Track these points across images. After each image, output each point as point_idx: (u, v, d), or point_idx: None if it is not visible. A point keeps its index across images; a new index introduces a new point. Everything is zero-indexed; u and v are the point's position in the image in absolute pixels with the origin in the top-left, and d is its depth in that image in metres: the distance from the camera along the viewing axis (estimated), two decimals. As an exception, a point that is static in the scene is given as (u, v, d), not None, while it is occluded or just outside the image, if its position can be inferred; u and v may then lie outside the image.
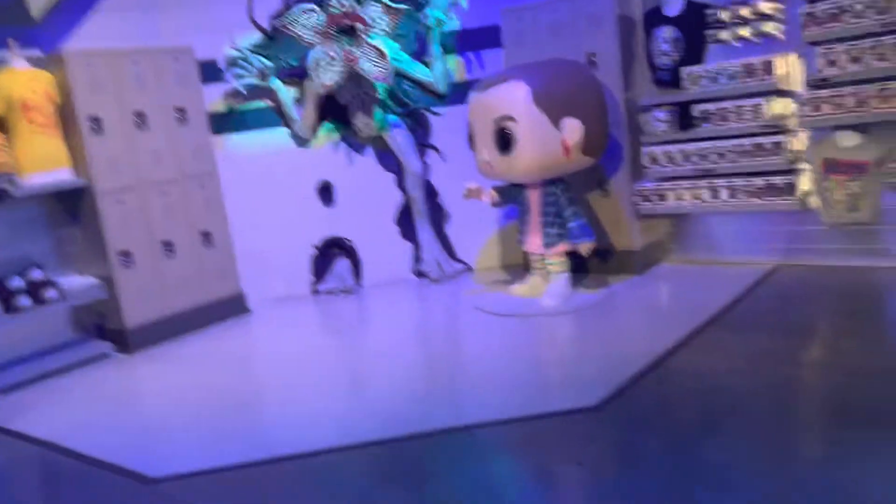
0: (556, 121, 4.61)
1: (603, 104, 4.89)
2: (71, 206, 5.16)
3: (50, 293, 4.87)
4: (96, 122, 4.99)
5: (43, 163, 4.83)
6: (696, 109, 5.05)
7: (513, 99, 4.61)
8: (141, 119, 5.22)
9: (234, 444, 3.47)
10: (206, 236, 5.61)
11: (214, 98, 5.82)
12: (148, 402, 4.41)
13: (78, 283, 5.08)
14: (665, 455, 2.90)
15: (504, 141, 4.67)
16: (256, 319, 5.74)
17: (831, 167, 4.64)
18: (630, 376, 3.60)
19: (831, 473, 2.59)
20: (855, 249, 4.83)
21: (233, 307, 5.77)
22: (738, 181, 4.96)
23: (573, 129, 4.62)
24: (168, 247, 5.37)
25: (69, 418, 4.12)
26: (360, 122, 5.84)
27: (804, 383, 3.43)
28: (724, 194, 5.04)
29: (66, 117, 4.94)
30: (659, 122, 5.18)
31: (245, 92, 5.75)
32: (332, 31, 5.52)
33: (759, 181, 4.87)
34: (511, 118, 4.61)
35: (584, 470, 2.87)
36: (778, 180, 4.81)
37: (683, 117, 5.19)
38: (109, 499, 3.17)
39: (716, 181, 5.05)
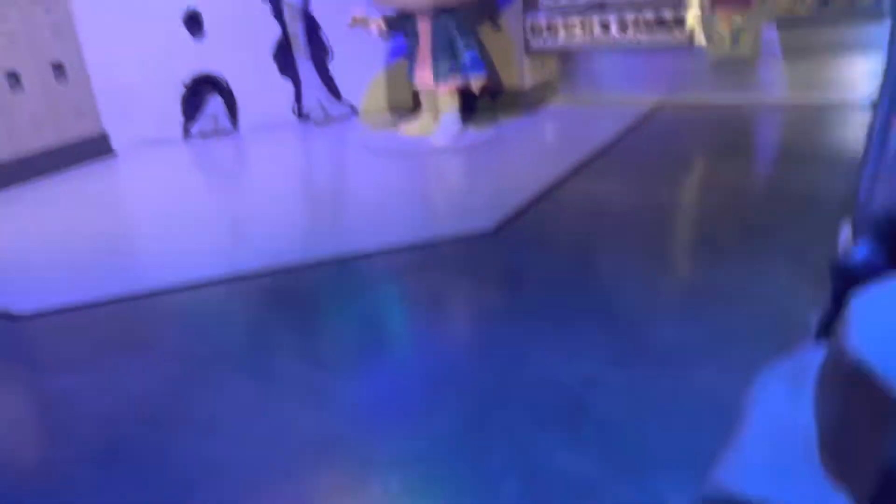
0: (448, -60, 4.31)
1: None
2: None
3: None
4: None
5: None
6: (591, -63, 4.88)
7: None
8: (-36, -78, 4.45)
9: (108, 280, 3.22)
10: (58, 68, 5.00)
11: None
12: (6, 242, 4.01)
13: None
14: (561, 270, 2.95)
15: (393, -39, 4.34)
16: (122, 162, 5.29)
17: (719, 0, 4.67)
18: (522, 202, 3.61)
19: (709, 275, 2.72)
20: (734, 85, 4.97)
21: (94, 148, 5.28)
22: (629, 15, 4.91)
23: (466, -50, 4.34)
24: (14, 79, 4.75)
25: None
26: (230, -58, 5.26)
27: (683, 202, 3.56)
28: (614, 29, 4.99)
29: None
30: (553, -50, 4.98)
31: None
32: None
33: (650, 15, 4.84)
34: (401, -66, 4.27)
35: (476, 289, 2.89)
36: (668, 15, 4.79)
37: (577, -54, 5.01)
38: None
39: (607, 16, 4.97)
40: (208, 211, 4.20)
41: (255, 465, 1.93)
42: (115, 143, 5.42)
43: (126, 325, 2.83)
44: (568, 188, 3.82)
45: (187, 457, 1.99)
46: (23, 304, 3.03)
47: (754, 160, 4.17)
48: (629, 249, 3.06)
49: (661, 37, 4.86)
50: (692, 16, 4.83)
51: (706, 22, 4.76)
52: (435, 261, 3.16)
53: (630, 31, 4.93)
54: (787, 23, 4.73)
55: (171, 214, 4.07)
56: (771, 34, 4.73)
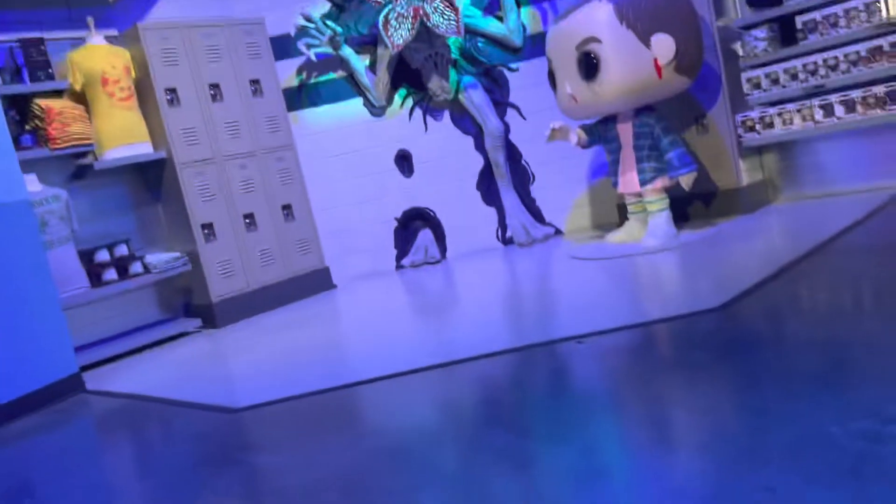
0: (644, 38, 4.26)
1: (694, 15, 4.50)
2: (153, 182, 5.15)
3: (135, 267, 4.82)
4: (172, 94, 4.97)
5: (123, 136, 4.83)
6: (800, 21, 4.60)
7: (595, 19, 4.30)
8: (216, 91, 5.19)
9: (316, 376, 3.23)
10: (287, 209, 5.49)
11: (287, 74, 5.76)
12: (235, 356, 4.24)
13: (162, 256, 5.01)
14: (812, 334, 2.47)
15: (589, 66, 4.35)
16: (342, 293, 5.54)
17: (965, 60, 4.11)
18: (748, 285, 3.17)
19: None
20: None
21: (318, 282, 5.61)
22: (855, 93, 4.46)
23: (665, 44, 4.26)
24: (249, 219, 5.27)
25: (158, 378, 3.99)
26: (435, 85, 5.65)
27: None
28: (839, 110, 4.54)
29: (143, 91, 4.95)
30: (758, 41, 4.76)
31: (316, 60, 5.64)
32: (400, -10, 5.38)
33: (880, 88, 4.36)
34: (595, 39, 4.30)
35: (713, 358, 2.48)
36: (902, 84, 4.29)
37: (785, 33, 4.75)
38: (194, 428, 2.97)
39: (829, 97, 4.56)
40: (417, 319, 4.20)
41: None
42: (336, 277, 5.73)
43: (329, 411, 2.76)
44: (800, 269, 3.31)
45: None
46: (241, 401, 3.10)
47: None
48: (877, 317, 2.51)
49: (897, 111, 4.33)
50: (933, 82, 4.28)
51: (952, 85, 4.19)
52: (660, 338, 2.81)
53: (859, 110, 4.46)
54: None
55: (382, 327, 4.11)
56: None
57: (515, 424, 2.26)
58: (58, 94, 4.69)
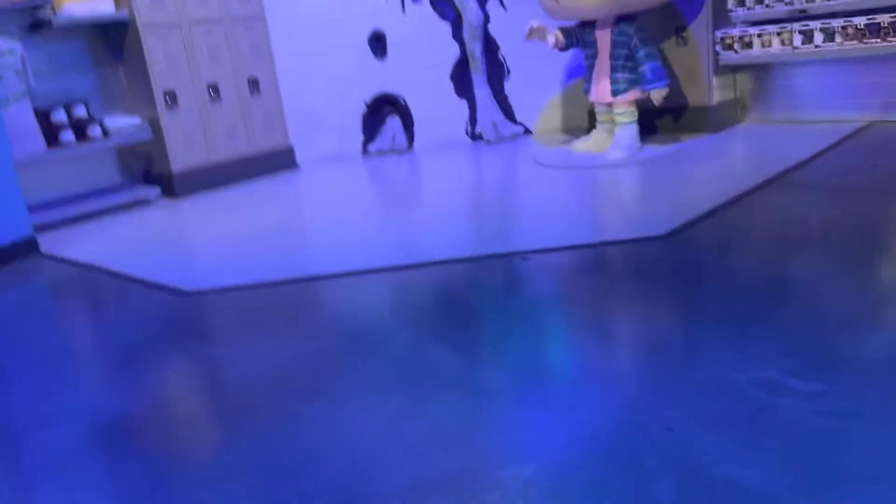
0: (633, -57, 4.11)
1: (687, -74, 4.35)
2: (114, 41, 4.96)
3: (93, 130, 4.72)
4: (137, -51, 4.70)
5: (83, -9, 4.60)
6: (794, -61, 4.47)
7: (586, -83, 4.12)
8: (184, -50, 4.92)
9: (275, 266, 3.30)
10: (253, 83, 5.35)
11: (262, -64, 5.45)
12: (193, 235, 4.27)
13: (122, 122, 4.91)
14: (744, 273, 2.59)
15: (573, -33, 4.21)
16: (304, 175, 5.52)
17: (949, 1, 4.07)
18: (701, 210, 3.27)
19: (942, 289, 2.25)
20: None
21: (281, 161, 5.57)
22: (836, 21, 4.41)
23: (652, -48, 4.12)
24: (214, 90, 5.15)
25: (113, 248, 4.02)
26: (416, -36, 5.42)
27: (886, 219, 3.04)
28: (818, 38, 4.50)
29: (105, -57, 4.67)
30: (749, -45, 4.62)
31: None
32: None
33: (861, 20, 4.31)
34: (582, -61, 4.14)
35: (653, 286, 2.59)
36: (883, 18, 4.24)
37: (777, -50, 4.61)
38: (147, 308, 3.05)
39: (810, 23, 4.50)
40: (379, 213, 4.24)
41: (379, 442, 1.79)
42: (300, 157, 5.69)
43: (284, 304, 2.84)
44: (752, 201, 3.41)
45: (314, 427, 1.90)
46: (194, 283, 3.17)
47: None
48: (828, 257, 2.63)
49: (874, 45, 4.31)
50: (915, 19, 4.24)
51: (933, 25, 4.16)
52: (600, 262, 2.91)
53: (838, 40, 4.43)
54: None
55: (344, 216, 4.15)
56: None
57: (441, 328, 2.37)
58: (12, -62, 4.39)
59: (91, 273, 3.62)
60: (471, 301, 2.71)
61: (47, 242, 4.18)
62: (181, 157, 5.03)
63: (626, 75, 4.50)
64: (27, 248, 4.03)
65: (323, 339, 2.44)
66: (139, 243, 4.07)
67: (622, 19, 4.45)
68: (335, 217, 4.17)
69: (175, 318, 2.88)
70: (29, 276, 3.72)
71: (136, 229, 4.40)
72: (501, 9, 5.63)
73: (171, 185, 5.04)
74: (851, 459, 1.50)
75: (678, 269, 2.73)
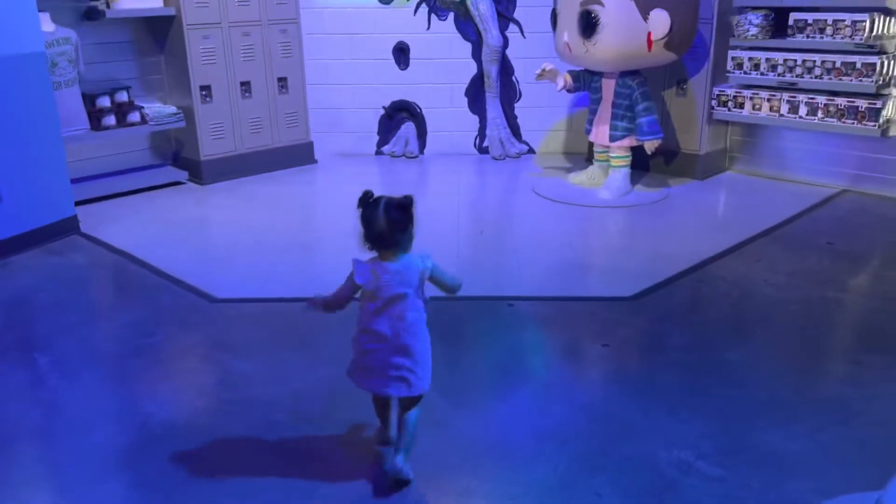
0: (644, 11, 4.50)
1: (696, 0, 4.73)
2: (158, 33, 5.34)
3: (133, 116, 5.14)
4: (189, -46, 5.06)
5: (136, -12, 4.97)
6: (793, 18, 4.85)
7: (603, -18, 4.50)
8: (231, -45, 5.27)
9: (289, 280, 3.78)
10: (283, 82, 5.75)
11: (304, -57, 5.79)
12: (216, 230, 4.73)
13: (160, 109, 5.32)
14: (689, 350, 3.07)
15: (588, 24, 4.60)
16: (321, 169, 5.96)
17: (921, 97, 4.48)
18: (670, 275, 3.74)
19: (844, 390, 2.74)
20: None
21: (301, 155, 5.99)
22: (820, 99, 4.83)
23: (660, 22, 4.51)
24: (246, 87, 5.54)
25: (146, 234, 4.48)
26: (446, -15, 5.77)
27: (839, 304, 3.51)
28: (802, 110, 4.92)
29: (160, -55, 5.03)
30: (752, 25, 5.00)
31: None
32: None
33: (842, 101, 4.74)
34: (598, 1, 4.52)
35: (609, 351, 3.08)
36: (862, 103, 4.67)
37: (777, 24, 5.01)
38: (178, 309, 3.52)
39: (797, 95, 4.92)
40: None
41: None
42: (318, 152, 6.11)
43: (296, 323, 3.32)
44: (719, 267, 3.88)
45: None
46: (223, 290, 3.64)
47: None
48: (764, 343, 3.12)
49: (853, 124, 4.74)
50: (890, 109, 4.67)
51: (903, 117, 4.59)
52: (572, 316, 3.39)
53: (819, 114, 4.85)
54: None
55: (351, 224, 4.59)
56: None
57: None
58: (77, -64, 4.75)
59: (125, 261, 4.08)
60: (441, 340, 3.20)
61: (86, 218, 4.63)
62: (210, 145, 5.46)
63: (625, 124, 4.92)
64: (69, 227, 4.48)
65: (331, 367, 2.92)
66: (171, 234, 4.51)
67: (626, 73, 4.85)
68: (343, 224, 4.59)
69: (204, 325, 3.35)
70: (70, 258, 4.17)
71: (168, 215, 4.85)
72: (521, 37, 6.00)
73: (198, 171, 5.47)
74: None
75: (634, 337, 3.22)
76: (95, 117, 5.01)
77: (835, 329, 3.35)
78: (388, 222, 2.10)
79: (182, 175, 5.49)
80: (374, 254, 2.19)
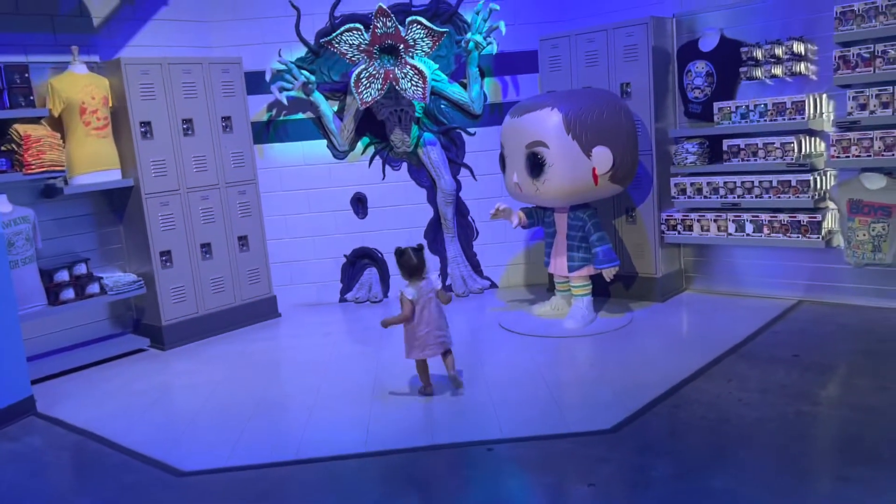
0: (587, 149, 4.74)
1: (634, 135, 5.01)
2: (117, 204, 5.42)
3: (92, 287, 5.10)
4: (147, 127, 5.23)
5: (94, 163, 5.08)
6: (726, 144, 5.15)
7: (546, 126, 4.75)
8: (189, 125, 5.46)
9: (257, 447, 3.65)
10: (243, 240, 5.82)
11: (258, 108, 6.05)
12: (181, 397, 4.60)
13: (119, 278, 5.31)
14: (674, 480, 3.01)
15: (535, 165, 4.81)
16: (284, 322, 5.93)
17: (856, 208, 4.72)
18: (645, 402, 3.72)
19: (833, 509, 2.69)
20: (877, 290, 4.89)
21: (264, 310, 5.97)
22: (764, 216, 5.05)
23: (604, 157, 4.75)
24: (206, 248, 5.59)
25: (106, 408, 4.33)
26: (397, 137, 6.03)
27: (814, 418, 3.51)
28: (748, 228, 5.13)
29: (119, 120, 5.20)
30: (689, 153, 5.29)
31: (287, 103, 5.96)
32: (374, 50, 5.71)
33: (784, 217, 4.96)
34: (543, 143, 4.76)
35: (596, 491, 2.99)
36: (803, 217, 4.89)
37: (713, 150, 5.31)
38: (142, 488, 3.35)
39: (742, 215, 5.14)
40: (352, 378, 4.58)
41: None
42: (281, 305, 6.10)
43: (270, 490, 3.17)
44: (692, 390, 3.88)
45: None
46: (187, 462, 3.50)
47: (896, 373, 4.04)
48: (748, 466, 3.07)
49: (797, 238, 4.94)
50: (829, 221, 4.89)
51: (844, 229, 4.81)
52: (553, 456, 3.31)
53: (765, 231, 5.05)
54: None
55: (318, 380, 4.51)
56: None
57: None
58: (36, 119, 4.90)
59: (85, 440, 3.91)
60: (428, 491, 3.08)
61: (42, 396, 4.47)
62: (171, 309, 5.41)
63: (581, 254, 5.05)
64: (25, 408, 4.31)
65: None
66: (133, 406, 4.36)
67: (577, 207, 5.04)
68: (311, 386, 4.52)
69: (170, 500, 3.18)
70: (25, 442, 3.98)
71: (129, 385, 4.71)
72: (473, 179, 6.24)
73: (160, 336, 5.39)
74: None
75: (619, 472, 3.14)
76: (53, 292, 4.97)
77: (816, 444, 3.33)
78: (417, 259, 3.98)
79: (143, 342, 5.40)
80: (406, 282, 4.02)
